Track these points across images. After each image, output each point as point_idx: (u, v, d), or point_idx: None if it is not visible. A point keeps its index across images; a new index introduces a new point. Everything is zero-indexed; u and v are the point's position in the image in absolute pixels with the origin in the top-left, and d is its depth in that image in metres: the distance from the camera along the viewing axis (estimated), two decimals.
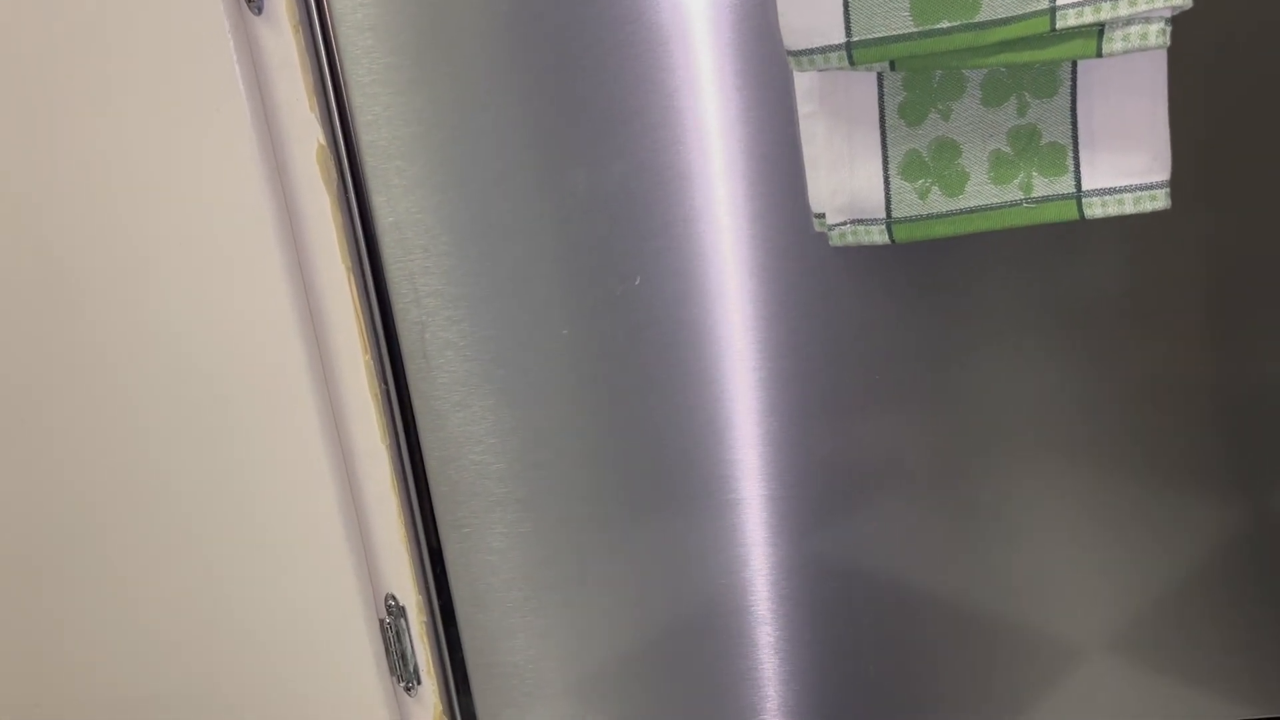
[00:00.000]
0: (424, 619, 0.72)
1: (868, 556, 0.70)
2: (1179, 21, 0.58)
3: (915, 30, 0.53)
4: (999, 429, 0.67)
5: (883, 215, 0.59)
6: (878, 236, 0.59)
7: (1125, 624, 0.70)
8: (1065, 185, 0.56)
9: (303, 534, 0.69)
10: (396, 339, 0.67)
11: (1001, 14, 0.52)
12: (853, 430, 0.67)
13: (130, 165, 0.62)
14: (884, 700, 0.74)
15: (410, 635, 0.73)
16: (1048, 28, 0.51)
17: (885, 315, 0.65)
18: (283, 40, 0.61)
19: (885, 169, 0.58)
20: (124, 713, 0.75)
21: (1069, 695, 0.72)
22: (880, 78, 0.57)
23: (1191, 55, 0.59)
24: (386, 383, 0.69)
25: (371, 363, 0.67)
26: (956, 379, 0.66)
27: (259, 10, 0.60)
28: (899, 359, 0.65)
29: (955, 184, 0.58)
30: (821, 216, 0.61)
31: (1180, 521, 0.68)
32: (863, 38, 0.54)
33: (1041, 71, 0.55)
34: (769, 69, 0.61)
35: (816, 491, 0.69)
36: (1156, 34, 0.50)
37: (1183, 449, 0.66)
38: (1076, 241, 0.63)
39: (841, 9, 0.54)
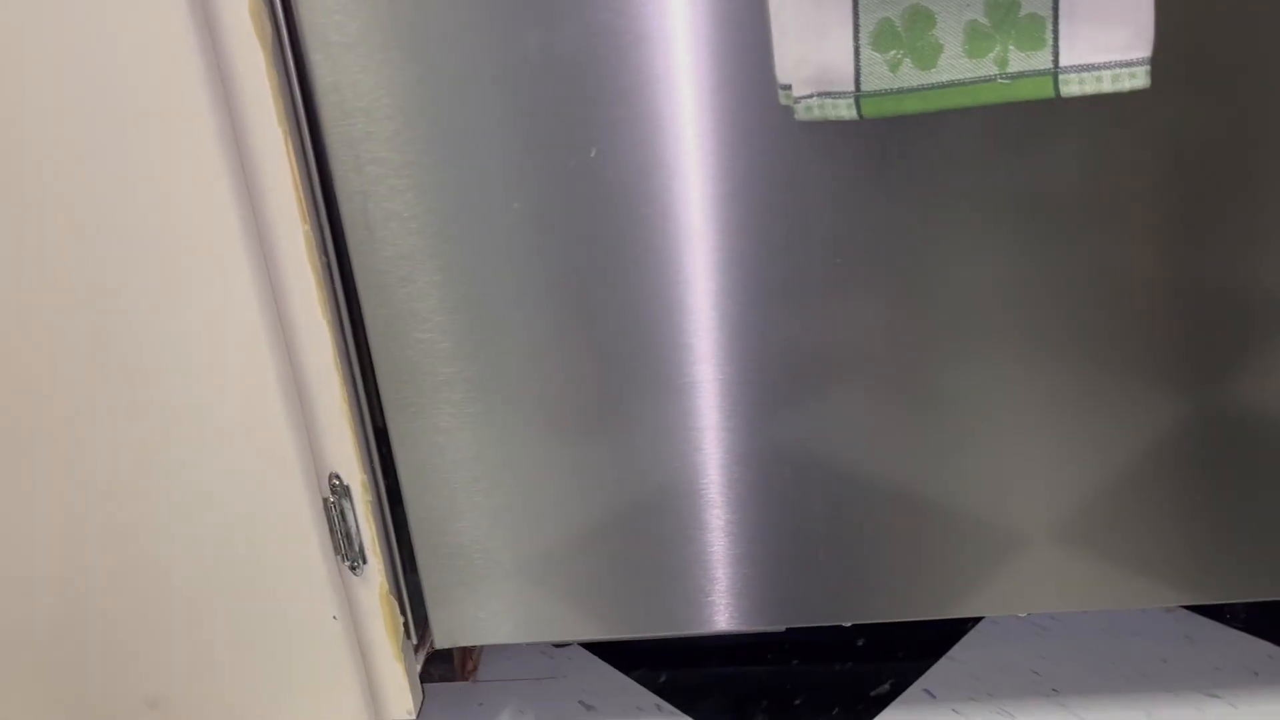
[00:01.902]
0: (369, 498, 0.71)
1: (822, 443, 0.69)
2: None
3: None
4: (959, 318, 0.65)
5: (851, 88, 0.56)
6: (845, 111, 0.57)
7: (1075, 512, 0.71)
8: (1042, 60, 0.53)
9: (242, 410, 0.66)
10: (337, 209, 0.64)
11: None
12: (812, 315, 0.65)
13: (42, 14, 0.57)
14: (833, 585, 0.74)
15: (355, 514, 0.71)
16: None
17: (848, 199, 0.62)
18: None
19: (856, 38, 0.55)
20: (63, 594, 0.73)
21: (1018, 582, 0.73)
22: None
23: None
24: (327, 254, 0.66)
25: (311, 233, 0.63)
26: (918, 266, 0.64)
27: None
28: (861, 243, 0.63)
29: (928, 56, 0.55)
30: (787, 88, 0.58)
31: (1133, 413, 0.68)
32: None
33: None
34: None
35: (773, 376, 0.67)
36: None
37: (1139, 341, 0.66)
38: (1045, 130, 0.60)
39: None
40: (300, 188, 0.62)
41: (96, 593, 0.73)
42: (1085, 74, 0.53)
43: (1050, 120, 0.60)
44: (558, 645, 0.97)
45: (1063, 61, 0.53)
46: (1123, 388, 0.67)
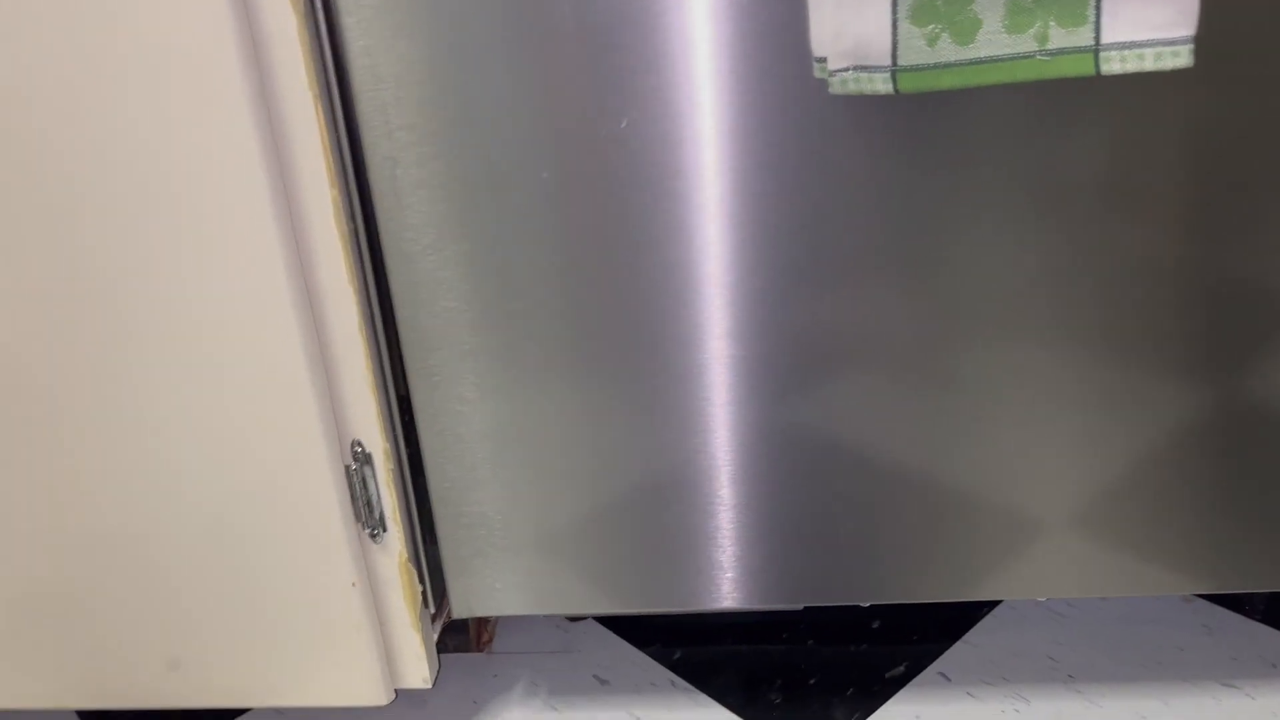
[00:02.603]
0: (391, 466, 0.71)
1: (843, 423, 0.69)
2: None
3: None
4: (981, 302, 0.65)
5: (888, 62, 0.55)
6: (881, 85, 0.56)
7: (1094, 499, 0.70)
8: (1084, 37, 0.53)
9: (266, 376, 0.66)
10: (366, 176, 0.64)
11: None
12: (839, 295, 0.65)
13: None
14: (851, 565, 0.74)
15: (376, 482, 0.71)
16: None
17: (871, 178, 0.62)
18: None
19: (894, 11, 0.54)
20: (84, 548, 0.74)
21: (1036, 566, 0.73)
22: None
23: None
24: (355, 221, 0.66)
25: (339, 198, 0.63)
26: (939, 250, 0.63)
27: None
28: (883, 224, 0.63)
29: (967, 31, 0.54)
30: (823, 61, 0.58)
31: (1155, 401, 0.67)
32: None
33: None
34: None
35: (794, 355, 0.67)
36: None
37: (1162, 330, 0.65)
38: (1070, 118, 0.60)
39: None
40: (329, 153, 0.62)
41: (117, 554, 0.74)
42: (1127, 51, 0.52)
43: (1076, 108, 0.59)
44: (572, 619, 0.97)
45: (1104, 38, 0.53)
46: (1145, 376, 0.66)
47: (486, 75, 0.60)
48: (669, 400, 0.69)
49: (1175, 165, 0.61)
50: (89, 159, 0.61)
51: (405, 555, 0.74)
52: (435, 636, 0.80)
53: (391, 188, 0.64)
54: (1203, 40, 0.57)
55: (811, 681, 0.87)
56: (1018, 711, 0.82)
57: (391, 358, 0.71)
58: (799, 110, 0.60)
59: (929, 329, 0.66)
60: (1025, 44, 0.54)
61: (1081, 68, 0.53)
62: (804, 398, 0.68)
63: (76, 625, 0.76)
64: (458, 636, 0.92)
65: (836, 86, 0.57)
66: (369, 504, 0.72)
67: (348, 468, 0.71)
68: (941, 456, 0.70)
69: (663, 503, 0.72)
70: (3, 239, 0.64)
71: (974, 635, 0.90)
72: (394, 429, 0.72)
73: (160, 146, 0.61)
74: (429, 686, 0.79)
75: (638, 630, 0.95)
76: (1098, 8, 0.52)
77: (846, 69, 0.56)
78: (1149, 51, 0.52)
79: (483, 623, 0.94)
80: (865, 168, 0.62)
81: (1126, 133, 0.60)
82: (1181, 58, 0.52)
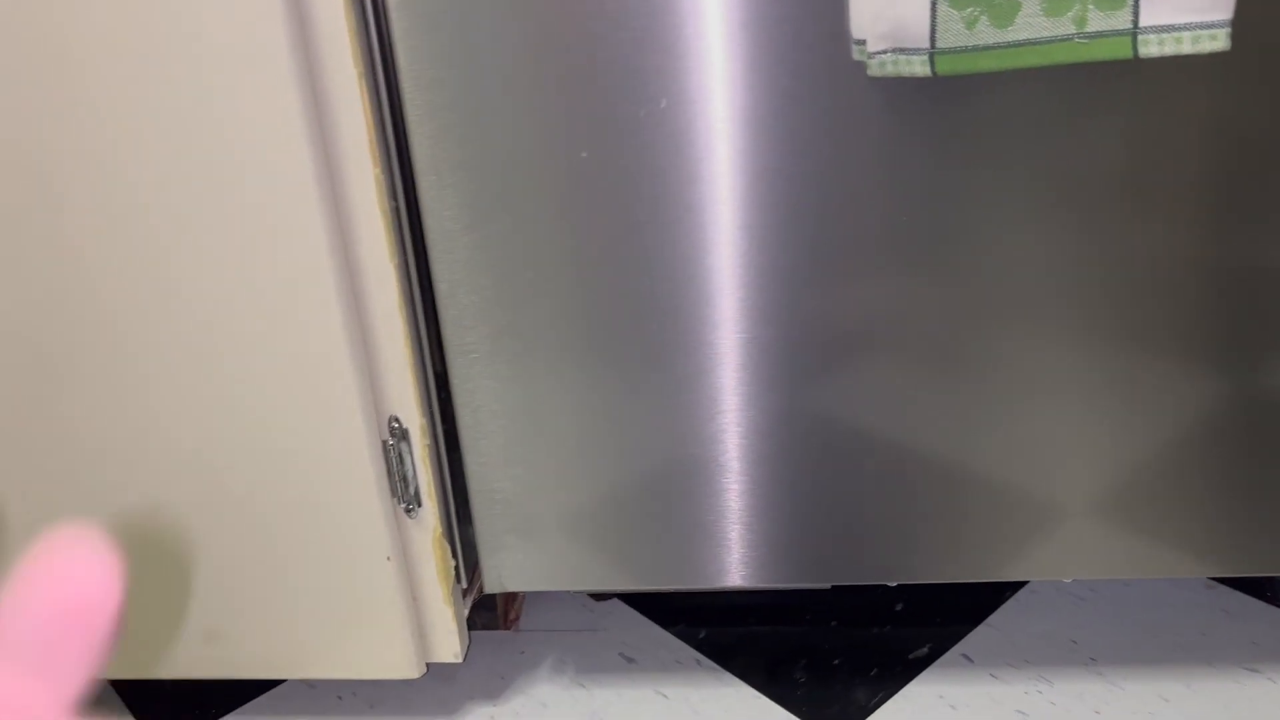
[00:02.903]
0: (427, 442, 0.72)
1: (872, 406, 0.70)
2: None
3: None
4: (1004, 290, 0.66)
5: (927, 45, 0.56)
6: (919, 68, 0.57)
7: (1118, 483, 0.71)
8: (1122, 20, 0.53)
9: (307, 351, 0.68)
10: (409, 154, 0.65)
11: None
12: (874, 279, 0.66)
13: None
14: (878, 545, 0.75)
15: (413, 458, 0.72)
16: None
17: (894, 169, 0.62)
18: None
19: None
20: (124, 526, 0.75)
21: (1060, 548, 0.74)
22: None
23: None
24: (396, 199, 0.67)
25: (382, 177, 0.64)
26: (959, 238, 0.64)
27: None
28: (903, 213, 0.64)
29: (1005, 14, 0.55)
30: (862, 43, 0.58)
31: (1165, 392, 0.68)
32: None
33: None
34: None
35: (824, 338, 0.68)
36: None
37: (1185, 319, 0.66)
38: (1097, 109, 0.60)
39: None
40: (373, 131, 0.63)
41: (156, 527, 0.75)
42: (1165, 34, 0.53)
43: (1100, 101, 0.60)
44: (598, 598, 0.98)
45: (1142, 21, 0.53)
46: (1167, 364, 0.67)
47: (529, 57, 0.61)
48: (694, 381, 0.70)
49: (1199, 159, 0.61)
50: (137, 137, 0.63)
51: (439, 530, 0.75)
52: (466, 612, 0.81)
53: (433, 167, 0.65)
54: (1234, 32, 0.58)
55: (835, 662, 0.88)
56: (1040, 693, 0.83)
57: (429, 335, 0.72)
58: (828, 94, 0.61)
59: (952, 315, 0.67)
60: (1063, 27, 0.54)
61: (1119, 50, 0.54)
62: (828, 381, 0.69)
63: None
64: (486, 614, 0.93)
65: (875, 69, 0.58)
66: (404, 479, 0.73)
67: (384, 443, 0.72)
68: (967, 441, 0.71)
69: (687, 482, 0.73)
70: (52, 213, 0.65)
71: (997, 618, 0.91)
72: (431, 405, 0.73)
73: (206, 125, 0.62)
74: (460, 661, 0.80)
75: (663, 610, 0.96)
76: None
77: (885, 51, 0.57)
78: (1187, 35, 0.53)
79: (510, 600, 0.95)
80: (886, 157, 0.62)
81: (1151, 126, 0.61)
82: (1219, 41, 0.53)
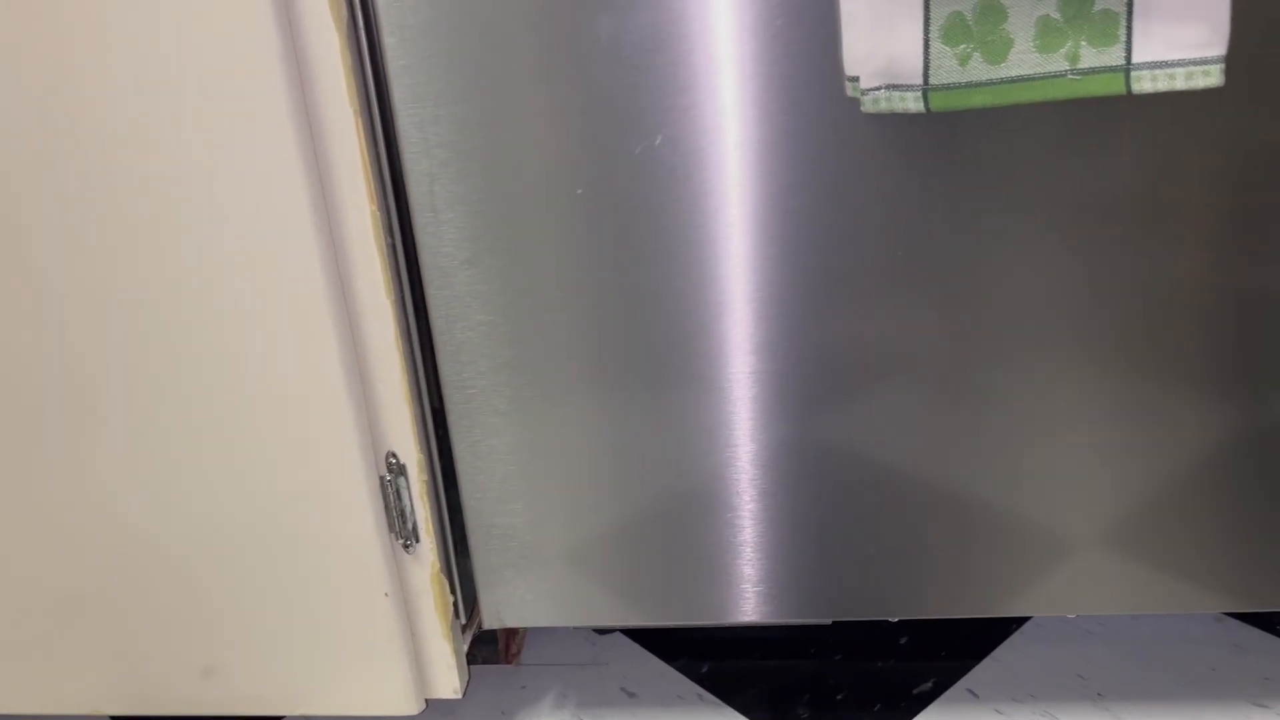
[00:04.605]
0: (424, 478, 0.72)
1: (872, 438, 0.69)
2: None
3: None
4: (1011, 318, 0.65)
5: (919, 81, 0.56)
6: (912, 104, 0.57)
7: (1125, 516, 0.70)
8: (1115, 56, 0.53)
9: (304, 387, 0.68)
10: (405, 190, 0.65)
11: None
12: (872, 309, 0.65)
13: None
14: (881, 580, 0.74)
15: (410, 493, 0.72)
16: None
17: (901, 195, 0.62)
18: None
19: (926, 31, 0.55)
20: (121, 554, 0.75)
21: (1066, 583, 0.73)
22: None
23: None
24: (393, 235, 0.67)
25: (378, 213, 0.65)
26: (966, 267, 0.64)
27: None
28: (913, 240, 0.64)
29: (998, 51, 0.55)
30: (855, 80, 0.59)
31: (1175, 423, 0.67)
32: None
33: None
34: None
35: (824, 369, 0.67)
36: None
37: (1193, 348, 0.65)
38: (1103, 134, 0.60)
39: None
40: (369, 169, 0.63)
41: (154, 562, 0.75)
42: (1158, 71, 0.53)
43: (1104, 127, 0.60)
44: (600, 632, 0.97)
45: (1135, 58, 0.53)
46: (1177, 394, 0.67)
47: (525, 94, 0.62)
48: (698, 414, 0.70)
49: (1205, 182, 0.61)
50: (136, 174, 0.63)
51: (437, 566, 0.75)
52: (465, 647, 0.81)
53: (429, 203, 0.65)
54: (1233, 58, 0.58)
55: (839, 697, 0.87)
56: None
57: (426, 370, 0.72)
58: (827, 128, 0.61)
59: (958, 345, 0.66)
60: (1056, 63, 0.54)
61: (1112, 87, 0.54)
62: (832, 413, 0.69)
63: (113, 632, 0.78)
64: (487, 648, 0.93)
65: (868, 105, 0.58)
66: (402, 515, 0.73)
67: (382, 479, 0.72)
68: (972, 472, 0.70)
69: (692, 516, 0.73)
70: (50, 249, 0.66)
71: (1002, 652, 0.90)
72: (428, 441, 0.73)
73: (204, 161, 0.62)
74: (459, 697, 0.80)
75: (665, 644, 0.95)
76: (1129, 28, 0.53)
77: (879, 87, 0.57)
78: (1180, 71, 0.53)
79: (511, 634, 0.94)
80: (893, 185, 0.62)
81: (1155, 151, 0.60)
82: (1212, 77, 0.52)
